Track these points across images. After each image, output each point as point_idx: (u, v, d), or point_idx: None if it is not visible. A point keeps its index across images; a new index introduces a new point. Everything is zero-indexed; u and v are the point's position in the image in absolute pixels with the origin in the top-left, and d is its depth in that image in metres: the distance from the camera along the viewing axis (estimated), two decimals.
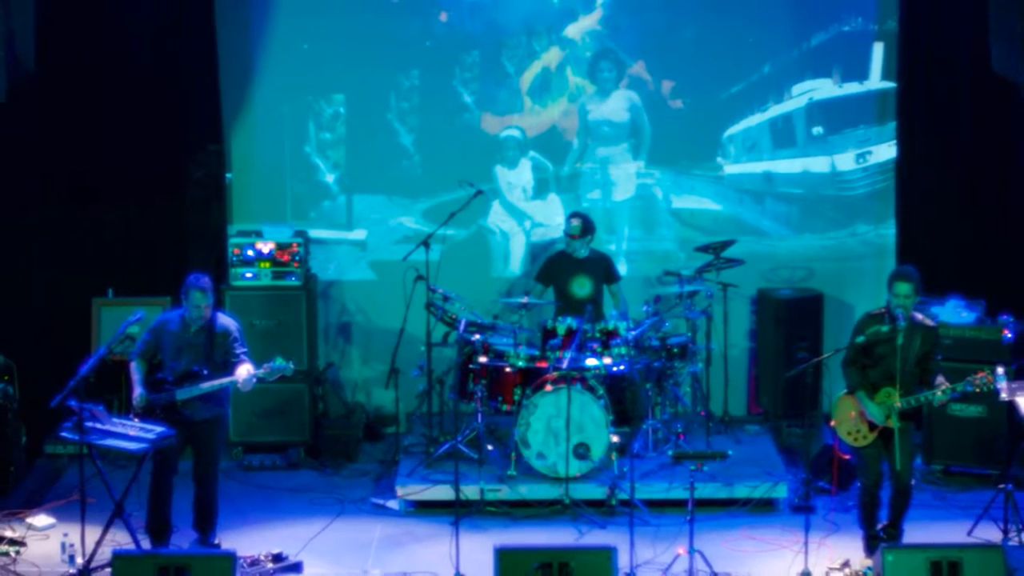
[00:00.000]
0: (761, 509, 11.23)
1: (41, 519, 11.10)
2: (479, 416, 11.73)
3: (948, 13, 12.57)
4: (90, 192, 12.72)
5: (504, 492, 11.30)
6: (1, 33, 10.96)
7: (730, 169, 13.14)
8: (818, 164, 13.11)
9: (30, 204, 12.62)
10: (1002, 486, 10.65)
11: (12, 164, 12.50)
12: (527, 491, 11.28)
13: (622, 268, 12.87)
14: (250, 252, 12.35)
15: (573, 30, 13.01)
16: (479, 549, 10.13)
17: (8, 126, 12.24)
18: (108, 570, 9.63)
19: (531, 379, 11.63)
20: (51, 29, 12.07)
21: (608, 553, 9.42)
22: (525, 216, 13.23)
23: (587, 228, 12.26)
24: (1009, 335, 11.67)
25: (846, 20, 12.93)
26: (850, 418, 10.18)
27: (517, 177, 13.20)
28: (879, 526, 10.32)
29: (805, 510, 10.48)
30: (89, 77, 12.55)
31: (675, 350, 12.03)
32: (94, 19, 12.51)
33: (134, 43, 12.58)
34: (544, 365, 11.66)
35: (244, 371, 10.25)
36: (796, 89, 13.02)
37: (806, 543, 10.06)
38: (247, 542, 10.55)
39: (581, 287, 12.26)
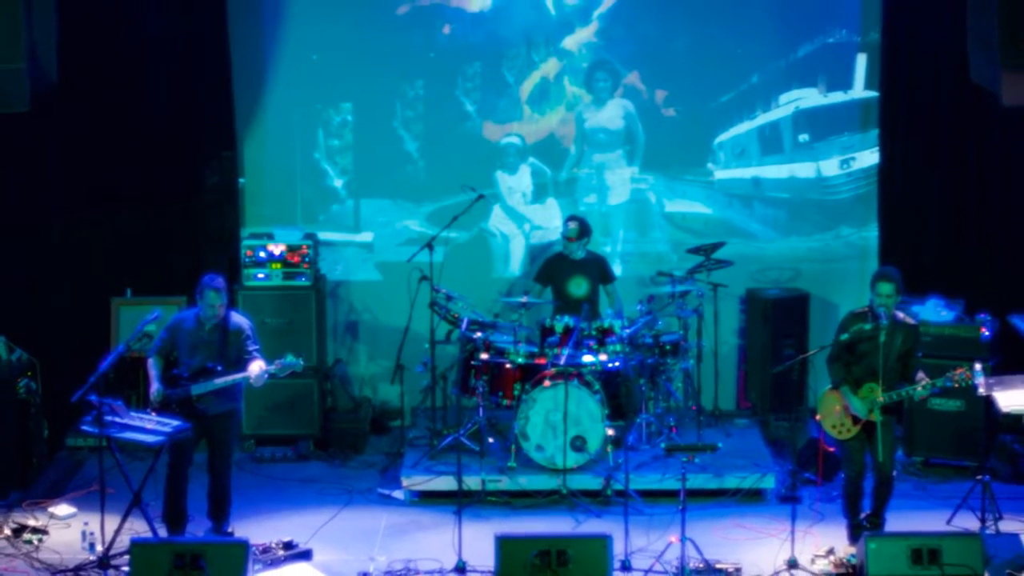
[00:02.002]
0: (750, 499, 11.23)
1: (62, 508, 11.10)
2: (480, 410, 11.72)
3: (928, 26, 12.56)
4: (109, 197, 12.70)
5: (504, 483, 11.29)
6: (25, 45, 10.94)
7: (720, 174, 13.13)
8: (804, 170, 13.10)
9: (52, 208, 12.62)
10: (980, 477, 10.64)
11: (35, 170, 12.50)
12: (526, 482, 11.28)
13: (617, 269, 12.86)
14: (262, 254, 12.35)
15: (570, 42, 13.00)
16: (481, 537, 10.13)
17: (31, 133, 12.25)
18: (127, 557, 9.63)
19: (530, 375, 11.62)
20: (72, 41, 12.04)
21: (603, 541, 9.42)
22: (524, 219, 13.22)
23: (584, 231, 12.26)
24: (987, 333, 11.66)
25: (831, 32, 12.92)
26: (835, 412, 10.18)
27: (517, 182, 13.19)
28: (862, 515, 10.31)
29: (792, 500, 10.49)
30: (108, 87, 12.53)
31: (667, 347, 12.03)
32: (113, 32, 12.50)
33: (151, 54, 12.57)
34: (543, 362, 11.65)
35: (256, 367, 10.24)
36: (783, 98, 13.01)
37: (792, 532, 10.06)
38: (259, 530, 10.55)
39: (578, 287, 12.26)
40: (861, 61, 12.93)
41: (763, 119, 13.04)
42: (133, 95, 12.57)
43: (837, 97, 13.00)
